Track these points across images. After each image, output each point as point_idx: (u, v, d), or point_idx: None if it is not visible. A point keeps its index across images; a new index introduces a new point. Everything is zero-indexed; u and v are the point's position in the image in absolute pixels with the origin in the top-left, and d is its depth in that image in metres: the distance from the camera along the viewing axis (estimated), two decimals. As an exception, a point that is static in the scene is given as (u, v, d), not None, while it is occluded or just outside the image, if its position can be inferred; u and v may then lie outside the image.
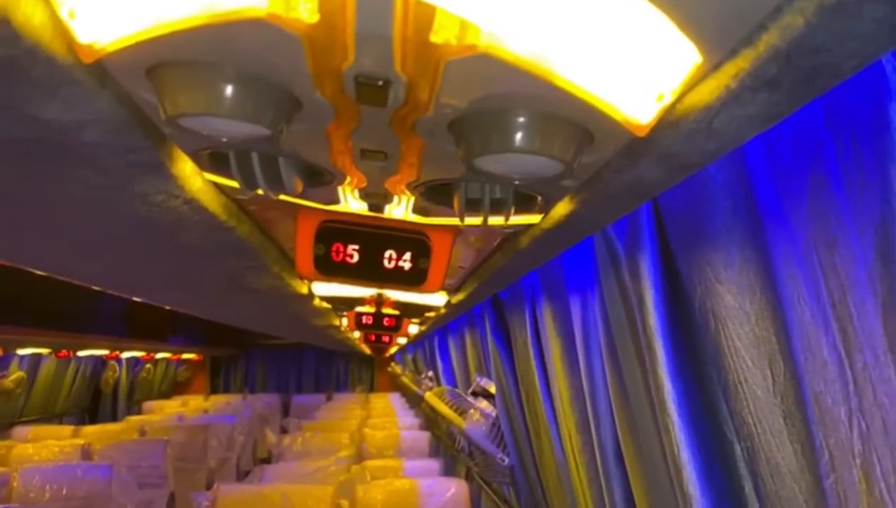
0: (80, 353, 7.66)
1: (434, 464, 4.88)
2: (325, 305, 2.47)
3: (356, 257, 1.14)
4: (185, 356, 10.89)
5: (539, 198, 0.88)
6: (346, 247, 1.14)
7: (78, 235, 1.25)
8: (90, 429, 6.94)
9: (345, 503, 3.93)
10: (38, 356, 7.10)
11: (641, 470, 1.37)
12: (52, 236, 1.29)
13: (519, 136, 0.60)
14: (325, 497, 3.89)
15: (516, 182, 0.71)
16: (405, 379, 6.01)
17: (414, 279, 1.18)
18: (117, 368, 9.14)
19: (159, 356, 9.85)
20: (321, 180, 0.87)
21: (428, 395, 2.66)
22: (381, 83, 0.57)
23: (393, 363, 10.72)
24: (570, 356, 1.75)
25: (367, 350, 8.88)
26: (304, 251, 1.14)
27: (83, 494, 4.72)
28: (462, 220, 0.87)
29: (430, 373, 5.46)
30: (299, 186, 0.82)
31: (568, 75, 0.53)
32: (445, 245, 1.16)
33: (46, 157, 0.72)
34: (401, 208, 1.02)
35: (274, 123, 0.62)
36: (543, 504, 2.31)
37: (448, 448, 5.54)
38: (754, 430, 0.96)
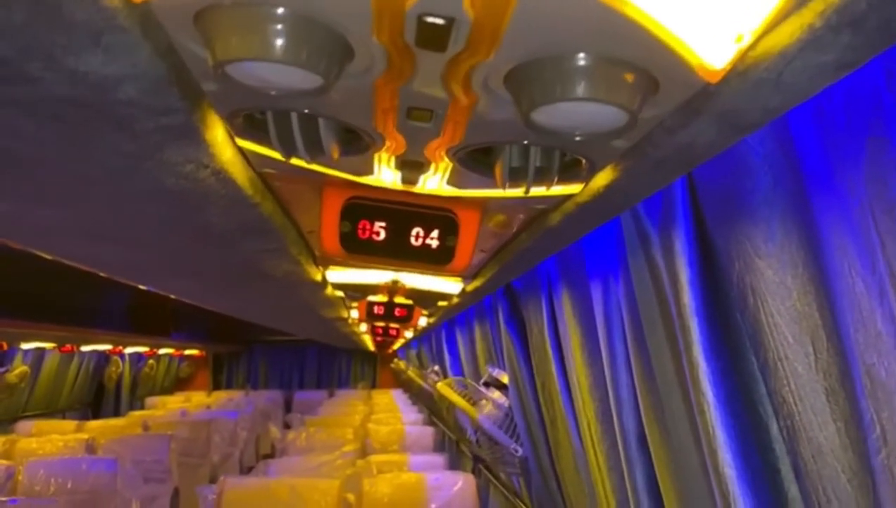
0: (84, 348, 7.65)
1: (439, 459, 4.87)
2: (337, 294, 2.44)
3: (382, 235, 1.12)
4: (188, 352, 10.88)
5: (584, 163, 0.85)
6: (372, 224, 1.11)
7: (95, 212, 1.23)
8: (94, 424, 6.93)
9: (351, 496, 3.91)
10: (42, 350, 7.09)
11: (667, 455, 1.35)
12: (68, 215, 1.26)
13: (585, 82, 0.58)
14: (332, 491, 3.88)
15: (577, 138, 0.67)
16: (411, 373, 5.99)
17: (441, 258, 1.16)
18: (120, 363, 9.13)
19: (162, 351, 9.84)
20: (357, 147, 0.84)
21: (439, 385, 2.64)
22: (443, 22, 0.55)
23: (396, 360, 10.71)
24: (591, 343, 1.72)
25: (371, 346, 8.86)
26: (330, 229, 1.12)
27: (88, 488, 4.71)
28: (504, 188, 0.84)
29: (436, 367, 5.44)
30: (336, 153, 0.80)
31: (645, 7, 0.50)
32: (473, 223, 1.14)
33: (78, 118, 0.70)
34: (435, 180, 0.99)
35: (328, 71, 0.60)
36: (558, 495, 2.29)
37: (458, 441, 5.53)
38: (795, 409, 0.94)
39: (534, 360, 2.13)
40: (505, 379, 2.57)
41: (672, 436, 1.30)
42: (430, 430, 6.01)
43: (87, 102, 0.66)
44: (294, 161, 0.93)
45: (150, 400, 9.24)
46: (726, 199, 0.99)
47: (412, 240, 1.13)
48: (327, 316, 3.35)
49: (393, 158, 0.88)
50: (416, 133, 0.78)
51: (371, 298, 2.47)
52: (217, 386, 11.93)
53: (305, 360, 12.40)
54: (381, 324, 4.11)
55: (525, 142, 0.78)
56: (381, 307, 2.63)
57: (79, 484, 4.69)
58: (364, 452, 5.29)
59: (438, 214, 1.12)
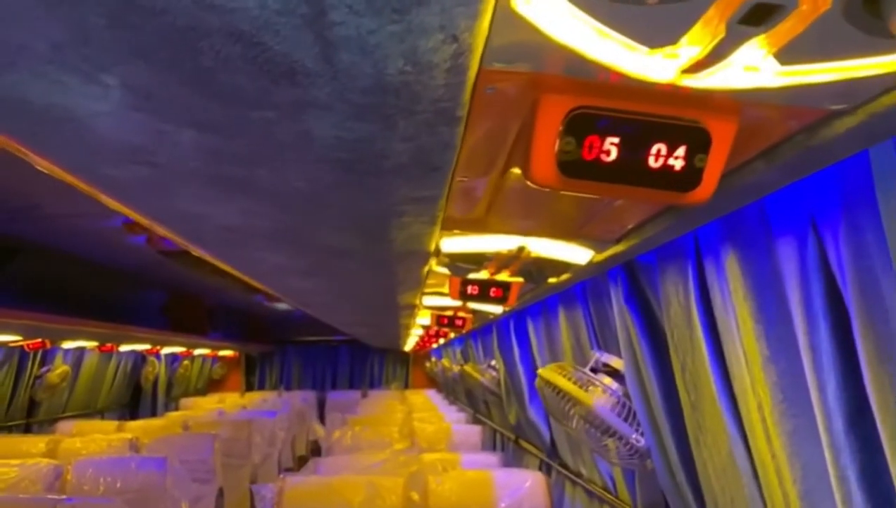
0: (122, 348, 7.56)
1: (493, 458, 4.67)
2: (436, 270, 2.23)
3: (614, 154, 0.90)
4: (222, 352, 10.80)
5: None
6: (602, 141, 0.89)
7: (251, 141, 0.99)
8: (134, 424, 6.82)
9: (415, 495, 3.73)
10: (82, 350, 6.99)
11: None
12: (213, 142, 1.00)
13: None
14: (396, 489, 3.71)
15: None
16: (468, 368, 5.79)
17: (684, 183, 0.93)
18: (157, 364, 9.04)
19: (196, 352, 9.76)
20: None
21: (543, 371, 2.43)
22: None
23: (432, 359, 10.53)
24: (770, 311, 1.50)
25: (407, 346, 8.63)
26: (545, 148, 0.90)
27: (137, 487, 4.57)
28: None
29: (492, 362, 5.25)
30: None
31: None
32: (726, 138, 0.91)
33: None
34: (753, 54, 0.73)
35: None
36: (688, 488, 2.06)
37: (517, 438, 5.31)
38: None
39: (673, 339, 1.91)
40: (616, 364, 2.35)
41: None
42: (477, 429, 5.83)
43: None
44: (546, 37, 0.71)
45: (184, 401, 9.15)
46: None
47: (650, 160, 0.91)
48: (402, 303, 3.14)
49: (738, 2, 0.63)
50: None
51: (472, 275, 2.26)
52: (249, 387, 11.85)
53: (338, 360, 12.27)
54: (449, 314, 3.90)
55: None
56: (476, 287, 2.42)
57: (128, 483, 4.55)
58: (413, 451, 5.11)
59: (685, 125, 0.89)
